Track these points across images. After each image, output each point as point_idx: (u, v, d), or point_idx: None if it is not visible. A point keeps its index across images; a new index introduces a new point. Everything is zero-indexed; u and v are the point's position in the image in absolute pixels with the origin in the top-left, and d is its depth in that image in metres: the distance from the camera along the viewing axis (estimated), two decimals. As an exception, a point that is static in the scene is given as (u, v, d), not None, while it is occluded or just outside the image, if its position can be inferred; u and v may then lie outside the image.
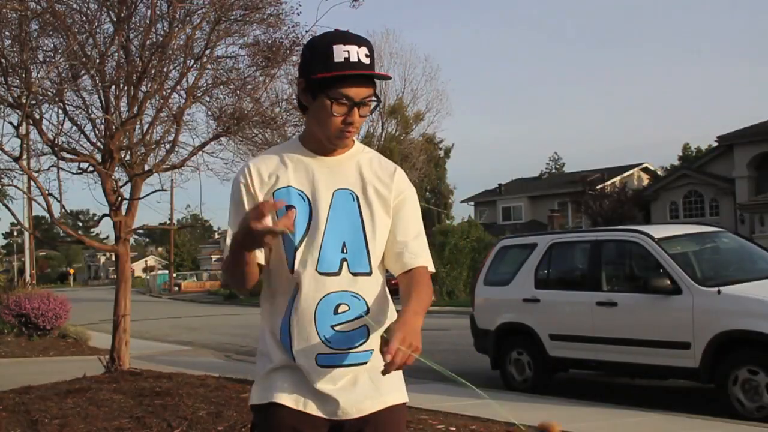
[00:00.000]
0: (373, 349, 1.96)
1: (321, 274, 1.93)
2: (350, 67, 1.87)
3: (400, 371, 1.97)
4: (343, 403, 1.93)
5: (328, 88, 1.89)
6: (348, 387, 1.94)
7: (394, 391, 2.01)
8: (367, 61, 1.89)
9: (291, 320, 1.94)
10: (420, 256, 2.02)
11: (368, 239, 1.97)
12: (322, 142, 1.99)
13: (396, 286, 1.89)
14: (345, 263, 1.94)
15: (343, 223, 1.96)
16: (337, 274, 1.94)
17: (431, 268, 2.03)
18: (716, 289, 6.53)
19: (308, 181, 1.99)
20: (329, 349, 1.91)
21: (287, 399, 1.96)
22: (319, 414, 1.95)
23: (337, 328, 1.92)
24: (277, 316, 1.98)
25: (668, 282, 6.82)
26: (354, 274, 1.94)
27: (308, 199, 1.98)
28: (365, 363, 1.95)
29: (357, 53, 1.88)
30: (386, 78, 2.04)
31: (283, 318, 1.96)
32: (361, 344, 1.94)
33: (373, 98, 1.94)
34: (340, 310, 1.93)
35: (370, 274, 1.96)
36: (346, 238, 1.95)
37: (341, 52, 1.87)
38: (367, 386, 1.95)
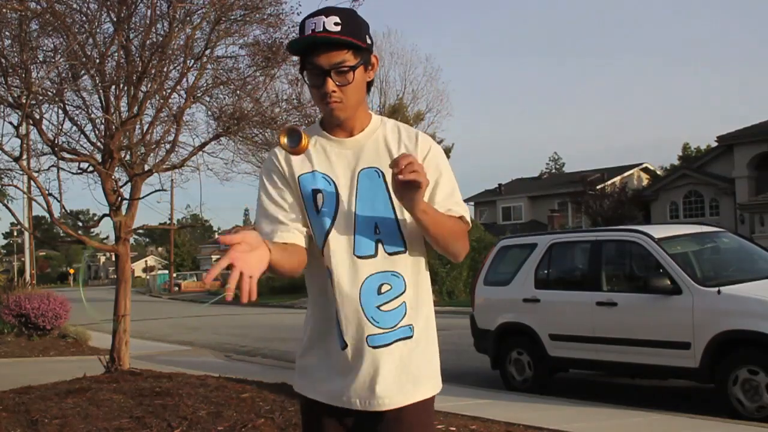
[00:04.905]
0: (412, 324, 1.98)
1: (359, 257, 1.95)
2: (312, 36, 1.89)
3: (436, 360, 2.05)
4: (377, 393, 1.94)
5: (303, 60, 1.94)
6: (383, 377, 1.94)
7: (424, 385, 2.00)
8: (335, 28, 1.88)
9: (337, 305, 1.95)
10: (450, 210, 2.00)
11: (398, 216, 1.97)
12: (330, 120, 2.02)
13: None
14: (380, 244, 1.96)
15: (373, 204, 1.97)
16: (374, 255, 1.96)
17: (467, 217, 2.04)
18: (716, 289, 6.52)
19: (330, 164, 2.01)
20: (378, 329, 1.94)
21: (314, 392, 2.02)
22: (345, 406, 1.98)
23: (383, 308, 1.95)
24: (321, 302, 2.01)
25: (668, 282, 6.81)
26: (390, 254, 1.96)
27: (333, 182, 1.99)
28: (410, 337, 1.97)
29: (323, 23, 1.88)
30: (351, 43, 1.90)
31: (327, 304, 1.98)
32: (402, 319, 1.97)
33: (348, 64, 1.90)
34: (383, 290, 1.95)
35: (405, 251, 1.97)
36: (378, 218, 1.96)
37: (310, 24, 1.90)
38: (398, 379, 1.96)
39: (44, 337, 13.36)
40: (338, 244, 1.96)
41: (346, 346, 1.96)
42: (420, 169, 1.76)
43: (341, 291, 1.94)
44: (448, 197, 2.01)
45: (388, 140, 2.02)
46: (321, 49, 1.89)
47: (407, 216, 1.95)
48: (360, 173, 1.99)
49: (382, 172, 1.98)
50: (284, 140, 1.85)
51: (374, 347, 1.94)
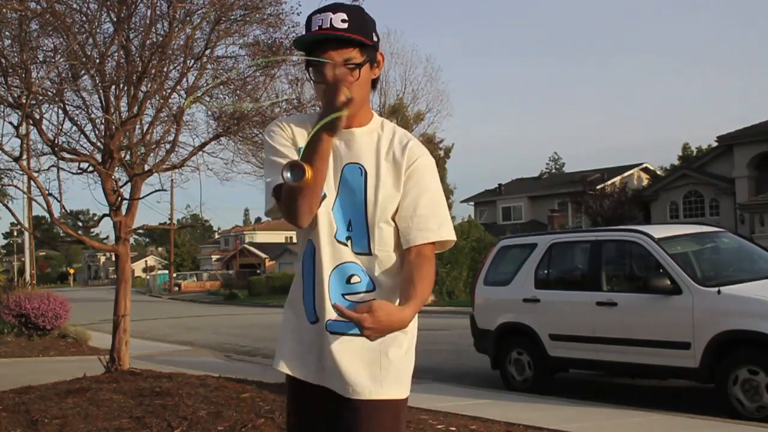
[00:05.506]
0: None
1: (339, 242, 1.97)
2: (319, 33, 1.89)
3: (409, 366, 2.02)
4: (335, 377, 1.96)
5: (308, 56, 1.94)
6: (343, 364, 1.94)
7: (394, 386, 1.99)
8: (342, 25, 1.89)
9: (314, 280, 1.98)
10: (426, 230, 1.96)
11: (369, 220, 1.97)
12: None
13: None
14: (350, 241, 1.98)
15: (350, 200, 1.97)
16: (347, 245, 1.98)
17: (447, 237, 1.99)
18: (716, 289, 6.52)
19: None
20: (337, 316, 1.94)
21: (288, 366, 2.05)
22: (317, 383, 2.00)
23: (347, 298, 1.96)
24: (301, 274, 2.03)
25: (668, 282, 6.81)
26: (356, 253, 1.97)
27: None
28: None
29: (330, 19, 1.89)
30: (358, 40, 1.91)
31: (306, 280, 2.01)
32: None
33: (355, 62, 1.91)
34: (352, 281, 1.97)
35: (370, 254, 1.97)
36: (351, 216, 1.98)
37: (317, 21, 1.91)
38: (362, 371, 1.95)
39: (44, 337, 13.35)
40: (323, 223, 1.97)
41: (316, 321, 1.98)
42: (367, 323, 1.73)
43: (319, 268, 1.97)
44: (429, 208, 1.98)
45: (381, 141, 2.01)
46: (327, 45, 1.89)
47: (380, 221, 1.96)
48: (345, 166, 1.99)
49: (365, 170, 1.98)
50: (287, 174, 1.76)
51: (332, 333, 1.95)
